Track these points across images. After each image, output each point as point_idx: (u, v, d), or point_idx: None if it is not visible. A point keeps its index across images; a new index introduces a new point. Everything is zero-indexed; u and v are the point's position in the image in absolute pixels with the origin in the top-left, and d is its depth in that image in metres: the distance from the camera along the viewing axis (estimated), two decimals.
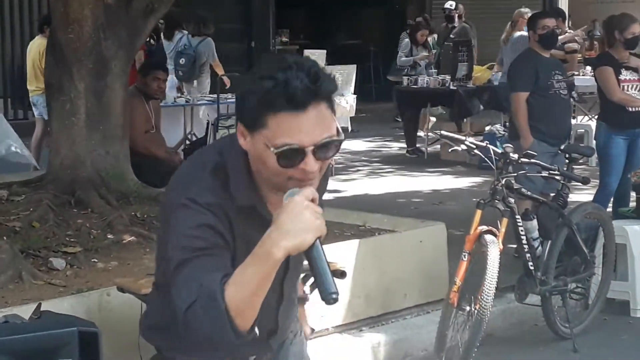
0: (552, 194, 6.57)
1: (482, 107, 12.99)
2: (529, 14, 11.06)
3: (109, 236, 6.29)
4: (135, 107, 8.54)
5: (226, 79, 12.70)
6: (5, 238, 5.86)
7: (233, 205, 2.59)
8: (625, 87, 8.06)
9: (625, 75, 8.08)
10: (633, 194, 7.95)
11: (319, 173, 2.53)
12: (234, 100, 10.89)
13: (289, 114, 2.44)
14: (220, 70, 13.23)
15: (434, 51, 16.02)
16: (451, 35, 15.77)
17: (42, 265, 5.64)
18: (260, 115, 2.46)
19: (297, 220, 2.36)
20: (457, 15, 16.38)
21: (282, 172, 2.49)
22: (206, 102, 11.43)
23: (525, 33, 12.64)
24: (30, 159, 10.32)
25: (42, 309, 4.30)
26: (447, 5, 16.38)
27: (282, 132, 2.45)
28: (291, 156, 2.46)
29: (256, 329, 2.46)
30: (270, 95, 2.43)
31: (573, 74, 13.24)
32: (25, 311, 4.32)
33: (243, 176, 2.61)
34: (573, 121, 11.10)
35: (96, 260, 5.82)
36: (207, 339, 2.46)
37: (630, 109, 8.05)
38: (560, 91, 7.77)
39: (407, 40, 15.92)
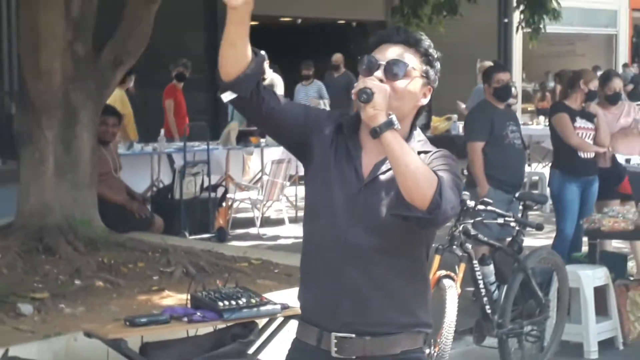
0: (508, 240, 6.59)
1: None
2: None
3: (76, 282, 6.26)
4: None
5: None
6: None
7: (337, 131, 2.92)
8: (580, 134, 8.14)
9: (580, 123, 8.17)
10: (585, 239, 8.00)
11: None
12: (199, 148, 10.91)
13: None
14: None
15: None
16: None
17: (10, 311, 5.59)
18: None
19: None
20: None
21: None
22: (173, 150, 11.39)
23: (480, 85, 12.81)
24: None
25: (9, 354, 4.26)
26: None
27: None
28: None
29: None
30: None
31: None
32: None
33: (354, 120, 2.92)
34: (527, 169, 11.16)
35: (63, 306, 5.79)
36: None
37: (582, 156, 8.13)
38: (515, 141, 7.82)
39: None
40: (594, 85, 8.25)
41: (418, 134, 2.96)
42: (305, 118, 2.90)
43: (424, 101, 2.93)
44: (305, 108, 3.00)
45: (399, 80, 2.82)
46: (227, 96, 2.78)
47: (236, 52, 2.74)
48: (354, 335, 2.81)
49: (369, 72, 2.81)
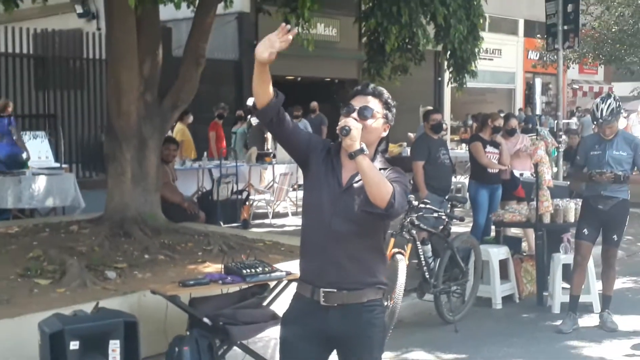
0: (441, 228, 6.60)
1: None
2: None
3: (145, 256, 6.25)
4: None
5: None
6: (75, 258, 5.81)
7: (327, 153, 2.95)
8: (489, 157, 8.17)
9: (489, 149, 8.20)
10: (493, 228, 8.03)
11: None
12: (231, 164, 10.88)
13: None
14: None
15: None
16: None
17: (100, 276, 5.60)
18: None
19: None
20: None
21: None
22: (212, 166, 11.38)
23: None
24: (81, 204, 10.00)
25: (99, 306, 4.26)
26: None
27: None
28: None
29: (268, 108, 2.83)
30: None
31: None
32: (88, 307, 4.29)
33: (338, 146, 2.92)
34: (454, 179, 11.16)
35: (137, 273, 5.79)
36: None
37: (490, 171, 8.17)
38: (445, 161, 7.85)
39: None
40: (498, 122, 8.31)
41: (380, 156, 2.97)
42: (308, 142, 2.95)
43: (384, 134, 2.97)
44: (309, 135, 3.03)
45: (368, 120, 2.86)
46: (254, 120, 2.86)
47: (262, 90, 2.81)
48: (335, 290, 2.84)
49: (348, 115, 2.85)
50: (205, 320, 4.56)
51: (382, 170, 2.84)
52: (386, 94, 2.97)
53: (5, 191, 9.06)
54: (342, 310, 2.85)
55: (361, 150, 2.69)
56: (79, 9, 18.43)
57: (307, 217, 2.96)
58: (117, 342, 3.97)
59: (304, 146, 2.92)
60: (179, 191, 9.05)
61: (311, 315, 2.87)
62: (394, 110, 2.98)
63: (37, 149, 9.88)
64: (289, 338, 2.92)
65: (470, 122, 20.19)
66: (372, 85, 2.98)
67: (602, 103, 6.09)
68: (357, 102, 2.90)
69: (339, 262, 2.84)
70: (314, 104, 15.41)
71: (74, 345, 3.86)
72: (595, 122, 6.24)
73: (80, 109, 14.21)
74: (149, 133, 7.21)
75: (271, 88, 2.84)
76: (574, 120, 23.56)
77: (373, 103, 2.90)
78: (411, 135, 14.74)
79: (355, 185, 2.85)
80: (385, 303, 5.42)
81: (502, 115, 9.31)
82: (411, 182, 10.41)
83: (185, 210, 8.55)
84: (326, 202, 2.86)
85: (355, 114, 2.85)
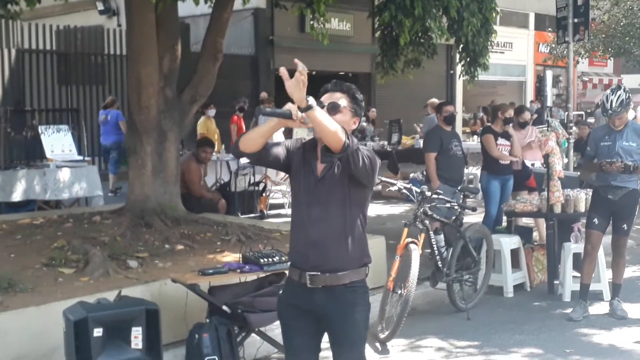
0: (453, 218, 6.57)
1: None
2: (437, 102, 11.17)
3: (166, 246, 6.26)
4: (194, 168, 8.62)
5: None
6: (98, 247, 5.84)
7: (302, 149, 3.08)
8: (500, 149, 8.11)
9: (500, 141, 8.14)
10: (505, 218, 7.99)
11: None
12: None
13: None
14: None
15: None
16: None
17: (122, 265, 5.61)
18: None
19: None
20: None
21: None
22: (230, 158, 11.38)
23: (431, 115, 12.78)
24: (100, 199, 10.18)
25: (121, 294, 4.27)
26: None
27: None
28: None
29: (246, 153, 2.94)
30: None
31: None
32: (111, 295, 4.30)
33: (312, 142, 3.08)
34: (466, 170, 11.10)
35: (157, 262, 5.79)
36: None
37: (502, 162, 8.11)
38: (457, 152, 7.79)
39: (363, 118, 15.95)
40: (508, 114, 8.23)
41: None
42: (286, 150, 3.09)
43: (354, 126, 3.07)
44: (282, 144, 3.12)
45: (337, 115, 2.99)
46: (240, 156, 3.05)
47: (262, 141, 2.94)
48: (319, 273, 2.98)
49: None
50: (224, 307, 4.57)
51: None
52: (354, 89, 3.11)
53: (30, 183, 9.13)
54: (325, 292, 2.98)
55: (309, 107, 2.73)
56: (100, 6, 18.49)
57: (293, 207, 3.16)
58: (139, 329, 3.99)
59: (284, 157, 3.07)
60: (206, 186, 9.12)
61: (300, 297, 3.03)
62: (362, 104, 3.10)
63: (61, 142, 9.94)
64: (285, 319, 3.10)
65: (480, 114, 20.07)
66: (339, 82, 3.10)
67: (612, 94, 6.05)
68: (327, 99, 3.05)
69: (320, 246, 2.97)
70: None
71: (97, 332, 3.88)
72: (605, 114, 6.18)
73: (102, 103, 14.26)
74: (169, 126, 7.22)
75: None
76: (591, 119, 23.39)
77: (341, 99, 3.04)
78: (417, 126, 14.67)
79: (327, 175, 3.00)
80: (399, 291, 5.42)
81: (514, 107, 9.22)
82: (424, 173, 10.40)
83: (204, 202, 8.57)
84: (304, 192, 3.02)
85: (325, 109, 2.96)
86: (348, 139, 2.81)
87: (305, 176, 3.03)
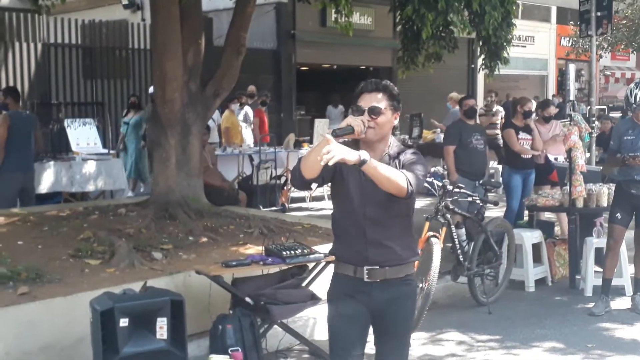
0: (475, 212, 6.54)
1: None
2: (458, 97, 11.10)
3: (190, 238, 6.28)
4: None
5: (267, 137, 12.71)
6: (123, 239, 5.88)
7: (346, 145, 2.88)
8: (522, 143, 8.06)
9: (522, 135, 8.08)
10: (526, 212, 7.94)
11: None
12: (270, 150, 10.92)
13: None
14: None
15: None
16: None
17: (147, 257, 5.64)
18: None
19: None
20: None
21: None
22: (252, 151, 11.41)
23: (455, 109, 12.69)
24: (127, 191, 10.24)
25: (147, 285, 4.30)
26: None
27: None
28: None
29: (314, 183, 2.92)
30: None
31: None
32: (136, 286, 4.33)
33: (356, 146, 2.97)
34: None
35: (182, 254, 5.81)
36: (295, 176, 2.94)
37: (523, 156, 8.05)
38: (478, 146, 7.74)
39: None
40: (527, 107, 8.17)
41: (394, 141, 3.07)
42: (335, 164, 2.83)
43: (396, 122, 3.05)
44: None
45: (380, 118, 2.96)
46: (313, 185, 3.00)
47: (319, 165, 2.78)
48: (377, 267, 2.99)
49: (358, 114, 2.95)
50: (247, 299, 4.59)
51: (399, 155, 2.99)
52: (390, 85, 3.06)
53: (57, 175, 9.23)
54: (383, 285, 3.00)
55: (363, 162, 2.71)
56: (125, 1, 18.58)
57: (339, 206, 3.07)
58: (164, 319, 4.02)
59: (333, 167, 2.87)
60: (218, 173, 9.06)
61: (355, 291, 3.00)
62: (399, 97, 3.05)
63: (86, 135, 10.02)
64: (336, 316, 3.05)
65: (496, 107, 19.87)
66: (374, 82, 3.03)
67: (636, 88, 5.99)
68: (365, 102, 2.98)
69: (379, 243, 2.97)
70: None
71: (123, 322, 3.91)
72: (629, 108, 6.12)
73: (127, 97, 14.35)
74: (192, 120, 7.24)
75: None
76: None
77: (380, 99, 2.98)
78: (434, 121, 14.59)
79: None
80: (420, 285, 5.41)
81: (535, 100, 9.13)
82: (445, 167, 10.35)
83: (226, 193, 8.58)
84: (355, 191, 2.96)
85: (366, 115, 2.93)
86: (410, 184, 2.81)
87: (352, 175, 2.96)
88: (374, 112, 2.94)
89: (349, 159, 2.69)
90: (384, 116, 2.97)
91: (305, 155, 2.93)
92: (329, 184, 3.06)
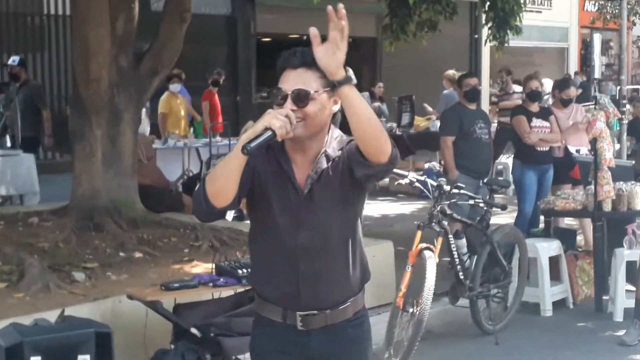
0: (478, 218, 6.59)
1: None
2: (456, 75, 11.17)
3: (120, 254, 6.26)
4: None
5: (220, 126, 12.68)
6: (36, 256, 5.84)
7: (268, 151, 2.70)
8: (537, 132, 8.12)
9: (535, 122, 8.15)
10: (542, 217, 8.01)
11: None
12: (222, 143, 10.87)
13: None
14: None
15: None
16: None
17: (66, 278, 5.60)
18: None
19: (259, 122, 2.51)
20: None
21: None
22: (200, 144, 11.38)
23: (446, 91, 12.78)
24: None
25: (65, 313, 4.28)
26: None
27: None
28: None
29: (228, 213, 2.65)
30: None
31: None
32: (51, 315, 4.29)
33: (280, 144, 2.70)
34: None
35: (110, 274, 5.79)
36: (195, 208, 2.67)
37: (539, 149, 8.12)
38: (482, 136, 7.80)
39: (367, 94, 15.97)
40: (534, 85, 8.23)
41: (332, 132, 2.76)
42: (252, 168, 2.67)
43: (336, 108, 2.68)
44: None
45: (308, 106, 2.61)
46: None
47: (234, 186, 2.58)
48: (316, 312, 2.76)
49: (280, 105, 2.62)
50: (194, 330, 4.58)
51: (341, 150, 2.71)
52: None
53: None
54: (326, 332, 2.78)
55: (348, 79, 2.48)
56: None
57: (259, 228, 2.80)
58: (87, 357, 3.99)
59: (249, 175, 2.66)
60: (156, 171, 8.99)
61: (286, 343, 2.79)
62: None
63: None
64: None
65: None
66: (300, 51, 2.69)
67: None
68: (288, 83, 2.64)
69: (316, 280, 2.73)
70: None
71: None
72: None
73: (40, 76, 14.23)
74: (124, 104, 7.21)
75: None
76: None
77: (309, 78, 2.62)
78: (426, 106, 14.70)
79: (317, 186, 2.70)
80: (411, 310, 5.43)
81: (537, 76, 9.09)
82: (441, 162, 10.42)
83: (167, 197, 8.53)
84: (283, 213, 2.70)
85: (289, 103, 2.60)
86: (394, 147, 2.55)
87: (280, 190, 2.69)
88: (300, 98, 2.59)
89: (331, 65, 2.46)
90: (316, 102, 2.61)
91: (211, 172, 2.63)
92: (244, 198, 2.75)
